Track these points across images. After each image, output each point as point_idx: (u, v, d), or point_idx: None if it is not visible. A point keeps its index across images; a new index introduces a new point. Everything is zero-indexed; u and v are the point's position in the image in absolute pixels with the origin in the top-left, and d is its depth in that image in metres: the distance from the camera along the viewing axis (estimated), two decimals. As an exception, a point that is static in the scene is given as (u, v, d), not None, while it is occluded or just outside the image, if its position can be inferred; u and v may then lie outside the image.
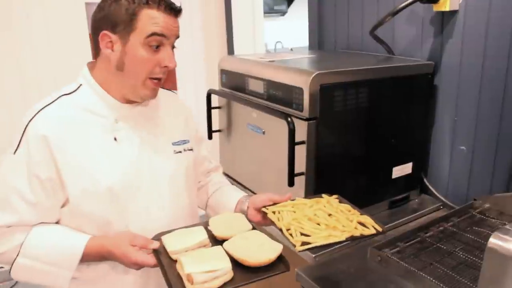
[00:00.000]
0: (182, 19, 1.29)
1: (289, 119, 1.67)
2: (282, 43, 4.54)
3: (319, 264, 1.60)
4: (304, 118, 1.68)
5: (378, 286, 1.55)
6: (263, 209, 1.38)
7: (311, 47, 2.82)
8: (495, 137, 1.89)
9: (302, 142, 1.68)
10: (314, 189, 1.77)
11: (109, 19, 1.17)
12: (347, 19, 2.55)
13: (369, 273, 1.41)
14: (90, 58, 3.02)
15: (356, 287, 1.54)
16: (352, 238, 1.23)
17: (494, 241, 0.95)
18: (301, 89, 1.69)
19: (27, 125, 1.19)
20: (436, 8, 1.97)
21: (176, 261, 1.16)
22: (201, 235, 1.24)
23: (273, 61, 2.03)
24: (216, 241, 1.26)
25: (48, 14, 2.91)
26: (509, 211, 1.55)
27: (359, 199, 1.98)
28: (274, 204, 1.40)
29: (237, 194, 1.53)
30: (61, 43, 3.00)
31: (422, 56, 2.14)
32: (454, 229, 1.49)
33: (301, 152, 1.70)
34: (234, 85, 2.18)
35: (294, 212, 1.34)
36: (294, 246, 1.18)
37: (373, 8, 2.34)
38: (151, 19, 1.16)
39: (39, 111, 1.21)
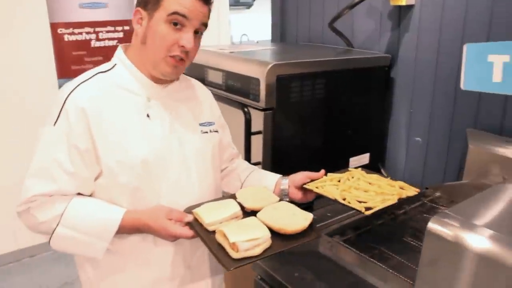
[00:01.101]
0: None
1: (245, 109, 1.68)
2: (247, 36, 4.55)
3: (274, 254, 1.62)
4: (261, 108, 1.69)
5: (331, 273, 1.58)
6: (305, 186, 1.46)
7: (273, 39, 2.84)
8: (448, 129, 1.94)
9: (258, 132, 1.69)
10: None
11: None
12: (308, 13, 2.57)
13: (323, 261, 1.43)
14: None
15: (312, 273, 1.58)
16: (402, 199, 1.35)
17: (432, 224, 0.98)
18: (257, 80, 1.70)
19: (66, 98, 1.22)
20: (393, 2, 2.00)
21: (211, 232, 1.22)
22: (233, 207, 1.29)
23: (233, 52, 2.03)
24: (245, 212, 1.31)
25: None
26: (459, 199, 1.59)
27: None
28: (312, 180, 1.48)
29: (272, 176, 1.57)
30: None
31: (380, 49, 2.18)
32: (405, 217, 1.52)
33: (258, 142, 1.71)
34: (194, 76, 2.16)
35: (336, 185, 1.44)
36: (361, 211, 1.28)
37: (334, 2, 2.37)
38: None
39: (77, 86, 1.25)
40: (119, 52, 1.34)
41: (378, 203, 1.29)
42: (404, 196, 1.36)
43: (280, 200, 1.39)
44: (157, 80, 1.32)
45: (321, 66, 1.86)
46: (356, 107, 2.03)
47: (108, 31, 3.50)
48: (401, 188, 1.40)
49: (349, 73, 1.95)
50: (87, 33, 3.42)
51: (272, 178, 1.55)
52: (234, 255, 1.13)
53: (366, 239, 1.40)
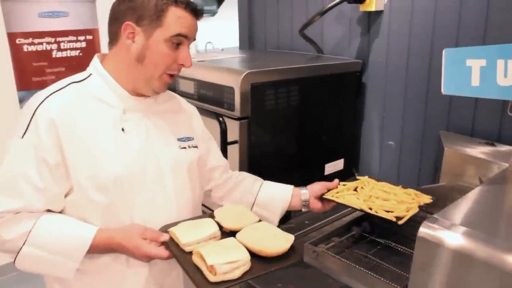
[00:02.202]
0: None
1: (220, 119, 1.65)
2: (212, 44, 4.51)
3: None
4: (236, 117, 1.67)
5: (315, 282, 1.56)
6: (324, 196, 1.47)
7: (241, 47, 2.82)
8: (421, 132, 1.96)
9: (234, 142, 1.67)
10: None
11: (136, 11, 1.19)
12: (277, 19, 2.56)
13: (306, 270, 1.41)
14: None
15: (295, 283, 1.55)
16: (422, 206, 1.36)
17: (423, 230, 0.97)
18: (232, 89, 1.67)
19: (36, 109, 1.16)
20: (363, 8, 2.02)
21: (187, 252, 1.16)
22: (212, 226, 1.24)
23: (203, 61, 2.00)
24: (224, 232, 1.26)
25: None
26: (439, 202, 1.60)
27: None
28: (328, 190, 1.50)
29: (287, 188, 1.55)
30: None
31: (350, 54, 2.19)
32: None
33: (234, 152, 1.68)
34: (164, 86, 2.13)
35: (353, 194, 1.45)
36: (392, 221, 1.27)
37: (302, 8, 2.37)
38: (178, 18, 1.19)
39: (48, 95, 1.19)
40: (95, 62, 1.28)
41: (404, 212, 1.29)
42: (422, 203, 1.36)
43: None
44: (136, 93, 1.28)
45: (294, 73, 1.85)
46: (330, 113, 2.03)
47: (70, 41, 3.39)
48: (416, 195, 1.41)
49: (321, 79, 1.95)
50: (48, 43, 3.30)
51: (288, 190, 1.54)
52: (212, 278, 1.07)
53: (350, 245, 1.39)
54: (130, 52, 1.22)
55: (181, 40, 1.21)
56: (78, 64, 3.37)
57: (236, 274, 1.09)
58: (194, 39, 1.27)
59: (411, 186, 1.93)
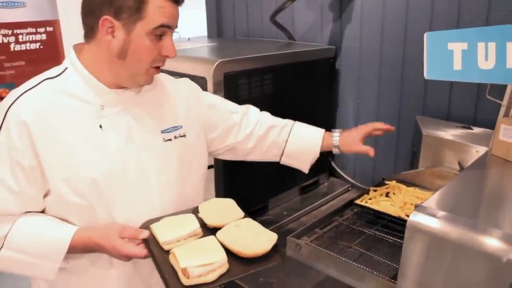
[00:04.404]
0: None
1: (194, 110, 1.59)
2: (179, 33, 4.40)
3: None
4: (210, 108, 1.60)
5: (297, 275, 1.54)
6: (356, 202, 1.50)
7: (210, 35, 2.75)
8: (397, 117, 1.95)
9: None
10: (224, 181, 1.72)
11: (113, 4, 1.10)
12: (245, 6, 2.50)
13: (288, 263, 1.38)
14: None
15: (277, 277, 1.53)
16: None
17: (412, 219, 0.95)
18: (204, 79, 1.61)
19: (7, 110, 1.12)
20: (333, -8, 1.98)
21: (167, 251, 1.12)
22: (193, 224, 1.19)
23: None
24: (207, 228, 1.21)
25: None
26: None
27: (271, 188, 1.97)
28: (360, 196, 1.55)
29: (316, 137, 1.59)
30: None
31: (322, 41, 2.15)
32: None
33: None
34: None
35: (387, 200, 1.49)
36: None
37: (271, -6, 2.32)
38: (159, 8, 1.11)
39: (20, 95, 1.13)
40: (72, 55, 1.20)
41: None
42: None
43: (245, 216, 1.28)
44: (117, 86, 1.21)
45: (267, 61, 1.80)
46: (304, 100, 1.99)
47: (29, 33, 3.23)
48: None
49: (294, 67, 1.91)
50: (5, 35, 3.14)
51: (317, 139, 1.57)
52: (185, 281, 1.03)
53: (333, 236, 1.36)
54: (110, 48, 1.14)
55: (164, 30, 1.14)
56: (39, 57, 3.21)
57: (211, 277, 1.04)
58: (176, 27, 1.20)
59: (388, 172, 1.94)
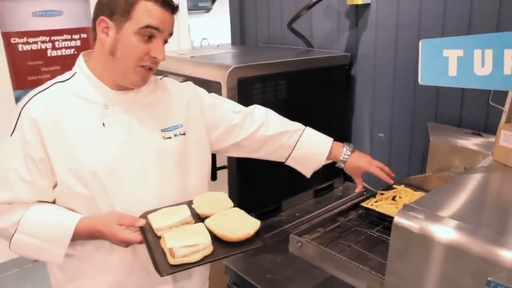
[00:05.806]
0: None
1: (208, 113, 1.66)
2: (208, 40, 4.51)
3: (247, 256, 1.63)
4: (224, 112, 1.67)
5: (303, 273, 1.58)
6: (363, 205, 1.54)
7: (233, 42, 2.83)
8: (410, 123, 1.97)
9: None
10: (237, 182, 1.78)
11: (110, 6, 1.24)
12: (267, 14, 2.57)
13: (295, 261, 1.43)
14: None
15: (284, 274, 1.58)
16: None
17: (399, 218, 0.99)
18: (219, 84, 1.69)
19: (21, 110, 1.26)
20: (350, 1, 2.03)
21: (160, 236, 1.23)
22: (184, 213, 1.29)
23: (193, 56, 2.01)
24: (200, 218, 1.31)
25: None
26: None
27: (284, 189, 2.02)
28: (365, 200, 1.58)
29: (323, 148, 1.62)
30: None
31: (339, 48, 2.20)
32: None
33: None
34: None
35: (392, 204, 1.52)
36: None
37: (291, 2, 2.38)
38: (147, 11, 1.22)
39: (32, 96, 1.28)
40: (80, 60, 1.34)
41: None
42: None
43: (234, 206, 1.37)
44: (120, 88, 1.32)
45: (281, 67, 1.86)
46: (319, 106, 2.04)
47: (65, 40, 3.41)
48: None
49: (310, 73, 1.96)
50: (43, 42, 3.32)
51: (324, 151, 1.62)
52: (171, 261, 1.14)
53: (335, 236, 1.41)
54: (105, 46, 1.26)
55: (152, 32, 1.24)
56: (73, 62, 3.28)
57: (195, 258, 1.15)
58: (171, 34, 1.30)
59: (402, 177, 1.95)
